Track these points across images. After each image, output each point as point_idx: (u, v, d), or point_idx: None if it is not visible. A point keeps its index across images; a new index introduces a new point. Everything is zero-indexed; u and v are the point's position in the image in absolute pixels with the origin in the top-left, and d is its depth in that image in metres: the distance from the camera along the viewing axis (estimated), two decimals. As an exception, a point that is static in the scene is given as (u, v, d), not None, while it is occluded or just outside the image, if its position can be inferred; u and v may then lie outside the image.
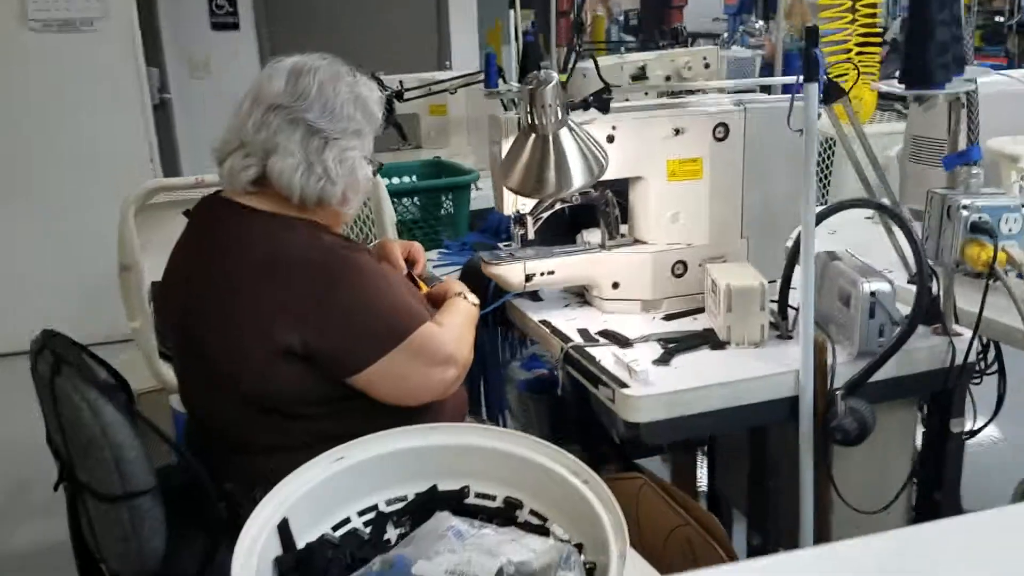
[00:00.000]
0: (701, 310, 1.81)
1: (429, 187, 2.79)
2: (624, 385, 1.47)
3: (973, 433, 1.90)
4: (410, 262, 1.83)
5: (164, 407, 2.15)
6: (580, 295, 1.92)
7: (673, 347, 1.62)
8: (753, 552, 1.63)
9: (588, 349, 1.65)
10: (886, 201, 1.68)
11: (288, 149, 1.46)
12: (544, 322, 1.80)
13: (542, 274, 1.81)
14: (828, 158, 3.30)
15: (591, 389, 1.57)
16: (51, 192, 4.20)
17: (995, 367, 2.05)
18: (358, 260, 1.47)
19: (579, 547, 1.27)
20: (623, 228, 1.87)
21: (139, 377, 2.20)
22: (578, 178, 1.56)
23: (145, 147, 4.34)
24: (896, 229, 1.67)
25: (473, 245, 2.41)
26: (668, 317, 1.80)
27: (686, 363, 1.57)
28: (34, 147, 4.14)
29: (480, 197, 2.86)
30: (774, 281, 1.87)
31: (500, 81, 3.27)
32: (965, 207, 1.44)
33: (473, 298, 1.70)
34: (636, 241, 1.86)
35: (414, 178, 3.12)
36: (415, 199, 2.76)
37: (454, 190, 2.76)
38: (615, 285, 1.82)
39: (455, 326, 1.57)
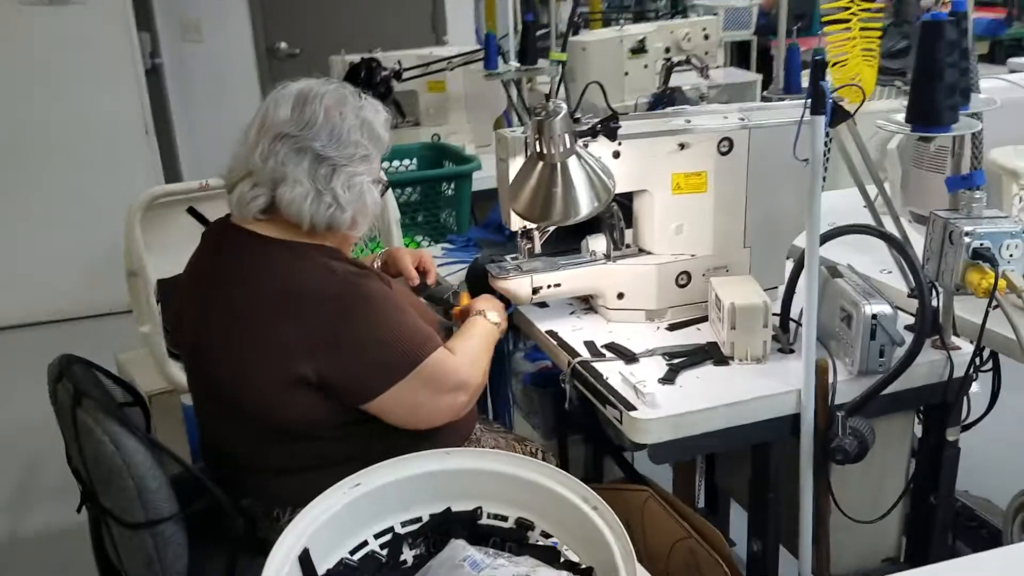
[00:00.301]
0: (704, 319, 1.84)
1: (431, 177, 2.79)
2: (631, 407, 1.51)
3: (968, 427, 1.96)
4: (421, 272, 1.85)
5: (176, 408, 2.19)
6: (586, 301, 1.95)
7: (678, 363, 1.65)
8: (753, 558, 1.68)
9: (595, 365, 1.68)
10: (880, 211, 1.70)
11: (296, 178, 1.47)
12: (551, 333, 1.84)
13: (549, 286, 1.84)
14: (826, 143, 3.29)
15: (598, 407, 1.61)
16: (47, 165, 4.19)
17: (990, 364, 2.09)
18: (370, 289, 1.49)
19: (590, 570, 1.32)
20: (628, 236, 1.89)
21: (150, 376, 2.24)
22: (585, 206, 1.58)
23: (139, 116, 4.32)
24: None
25: (478, 242, 2.43)
26: (672, 327, 1.83)
27: (691, 381, 1.61)
28: (29, 121, 4.13)
29: (481, 178, 2.87)
30: (775, 288, 1.91)
31: (500, 61, 3.26)
32: (967, 233, 1.47)
33: (495, 317, 1.73)
34: (641, 251, 1.89)
35: (414, 162, 3.12)
36: (416, 188, 2.77)
37: (456, 178, 2.76)
38: (620, 295, 1.85)
39: (469, 350, 1.60)
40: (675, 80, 3.46)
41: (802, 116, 1.46)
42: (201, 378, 1.60)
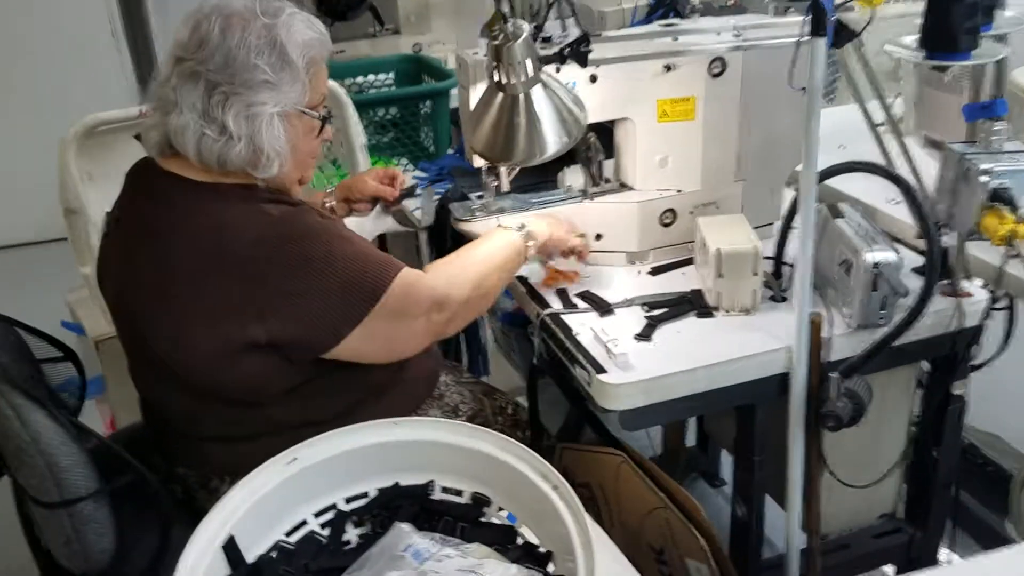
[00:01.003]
0: (690, 261, 1.67)
1: (406, 95, 2.57)
2: (601, 370, 1.36)
3: (978, 367, 1.80)
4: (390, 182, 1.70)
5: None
6: (561, 240, 1.77)
7: (657, 316, 1.49)
8: (738, 523, 1.56)
9: (565, 318, 1.52)
10: (896, 155, 1.50)
11: (184, 106, 1.29)
12: (520, 279, 1.67)
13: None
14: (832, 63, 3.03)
15: (568, 366, 1.46)
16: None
17: (1005, 303, 1.92)
18: (309, 223, 1.32)
19: (548, 555, 1.19)
20: (607, 169, 1.70)
21: (96, 320, 2.09)
22: (552, 144, 1.38)
23: (103, 17, 4.02)
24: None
25: (452, 171, 2.23)
26: (655, 271, 1.66)
27: (670, 336, 1.45)
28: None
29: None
30: (770, 224, 1.73)
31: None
32: (985, 172, 1.28)
33: (529, 234, 1.53)
34: (622, 186, 1.70)
35: (391, 76, 2.89)
36: (391, 108, 2.56)
37: (434, 96, 2.55)
38: (598, 236, 1.68)
39: (449, 266, 1.44)
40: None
41: (799, 39, 1.26)
42: (129, 334, 1.44)
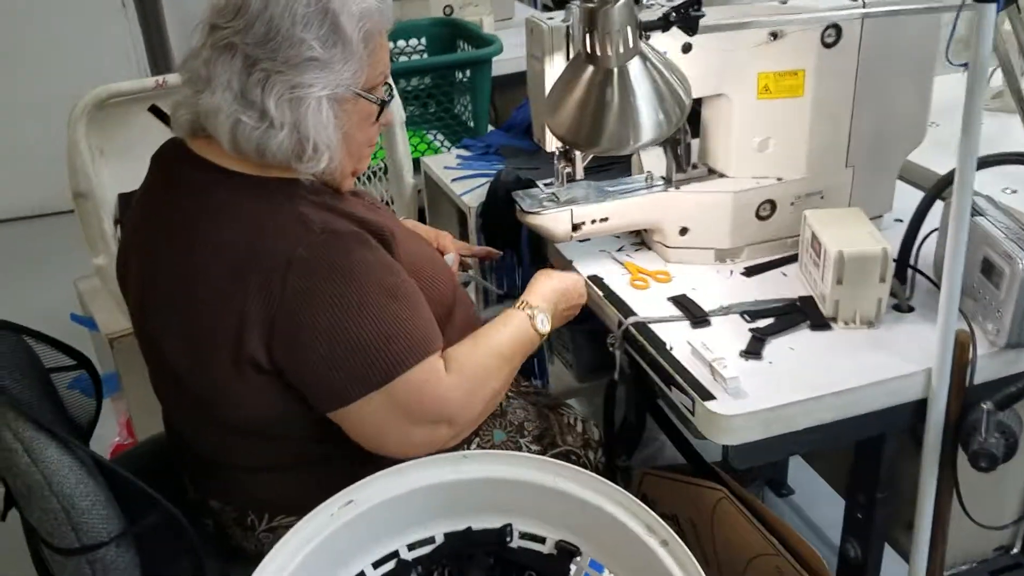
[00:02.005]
0: (791, 259, 1.46)
1: (441, 64, 2.34)
2: (708, 395, 1.15)
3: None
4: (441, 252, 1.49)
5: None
6: (637, 233, 1.56)
7: (764, 328, 1.28)
8: (849, 565, 1.36)
9: (654, 328, 1.31)
10: None
11: (220, 83, 1.07)
12: (595, 280, 1.46)
13: (593, 221, 1.45)
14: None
15: (662, 387, 1.25)
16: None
17: None
18: (351, 258, 1.10)
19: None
20: (693, 152, 1.48)
21: (110, 313, 1.90)
22: (649, 129, 1.16)
23: None
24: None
25: (499, 149, 2.02)
26: (749, 271, 1.45)
27: (782, 353, 1.24)
28: None
29: (502, 62, 2.42)
30: (879, 217, 1.51)
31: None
32: None
33: (544, 324, 1.31)
34: (711, 172, 1.48)
35: (423, 41, 2.66)
36: (425, 78, 2.33)
37: (472, 64, 2.31)
38: (683, 231, 1.46)
39: (472, 374, 1.20)
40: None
41: (961, 5, 1.03)
42: (149, 344, 1.25)
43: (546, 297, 1.35)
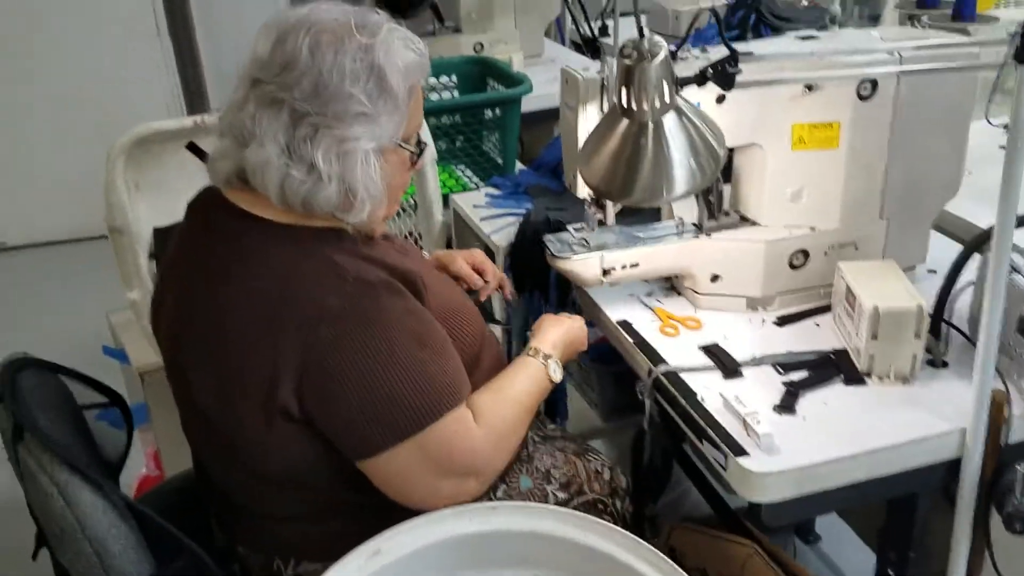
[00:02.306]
0: (824, 309, 1.45)
1: (475, 103, 2.36)
2: (740, 451, 1.14)
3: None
4: (479, 273, 1.49)
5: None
6: (667, 278, 1.56)
7: (797, 382, 1.27)
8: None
9: (685, 377, 1.31)
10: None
11: (266, 137, 1.09)
12: (624, 324, 1.46)
13: (623, 267, 1.45)
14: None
15: (692, 439, 1.24)
16: (39, 71, 3.78)
17: None
18: (381, 310, 1.11)
19: None
20: (724, 198, 1.48)
21: (142, 348, 1.91)
22: (682, 183, 1.17)
23: (148, 11, 3.88)
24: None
25: (528, 188, 2.02)
26: (782, 320, 1.44)
27: (817, 410, 1.23)
28: (13, 15, 3.68)
29: (531, 99, 2.44)
30: (912, 268, 1.50)
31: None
32: None
33: (557, 371, 1.32)
34: (743, 219, 1.48)
35: (453, 78, 2.68)
36: (456, 114, 2.35)
37: (503, 104, 2.33)
38: (715, 278, 1.46)
39: (500, 423, 1.20)
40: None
41: (1002, 67, 1.03)
42: (178, 384, 1.25)
43: (556, 345, 1.35)
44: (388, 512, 1.17)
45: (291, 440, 1.13)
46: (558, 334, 1.36)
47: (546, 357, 1.31)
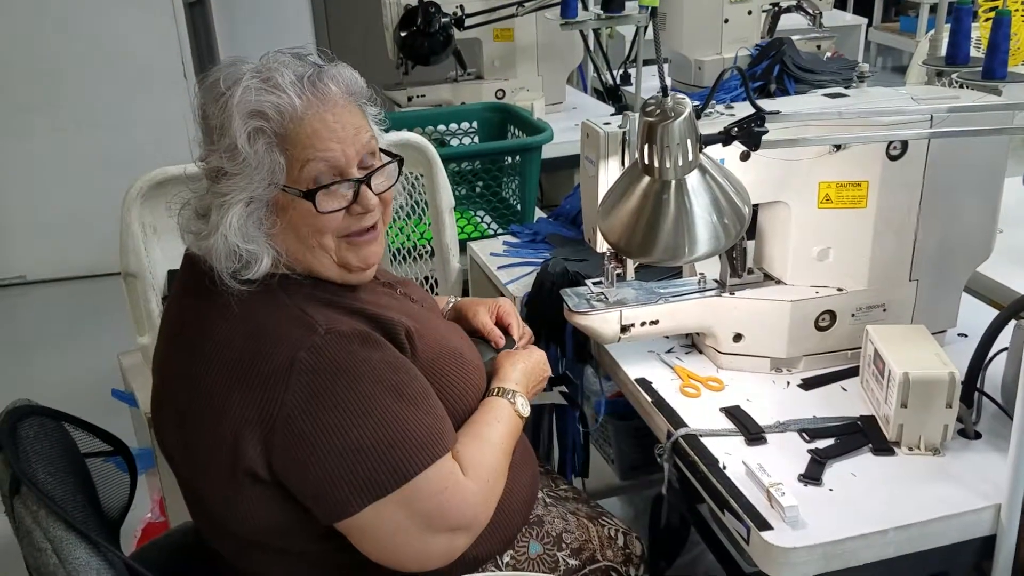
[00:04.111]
0: (851, 372, 1.40)
1: (496, 150, 2.35)
2: (765, 525, 1.09)
3: None
4: (503, 327, 1.44)
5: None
6: (688, 335, 1.52)
7: (824, 450, 1.22)
8: None
9: (706, 442, 1.26)
10: None
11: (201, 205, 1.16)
12: (643, 383, 1.41)
13: (643, 324, 1.41)
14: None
15: (714, 509, 1.19)
16: (66, 111, 3.83)
17: None
18: (354, 359, 1.07)
19: None
20: (748, 255, 1.44)
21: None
22: (705, 243, 1.13)
23: (176, 57, 3.93)
24: None
25: (547, 237, 2.00)
26: (807, 383, 1.39)
27: (843, 479, 1.18)
28: (44, 58, 3.74)
29: (551, 146, 2.42)
30: (943, 332, 1.45)
31: (580, 8, 2.78)
32: None
33: (525, 407, 1.28)
34: (767, 278, 1.44)
35: (474, 125, 2.68)
36: (476, 162, 2.33)
37: (523, 151, 2.32)
38: (737, 337, 1.41)
39: (486, 471, 1.15)
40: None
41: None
42: (162, 443, 1.22)
43: (518, 380, 1.31)
44: (388, 571, 1.13)
45: (261, 503, 1.08)
46: (517, 368, 1.33)
47: (512, 394, 1.28)
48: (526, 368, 1.34)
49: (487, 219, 2.36)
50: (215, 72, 1.11)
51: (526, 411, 1.28)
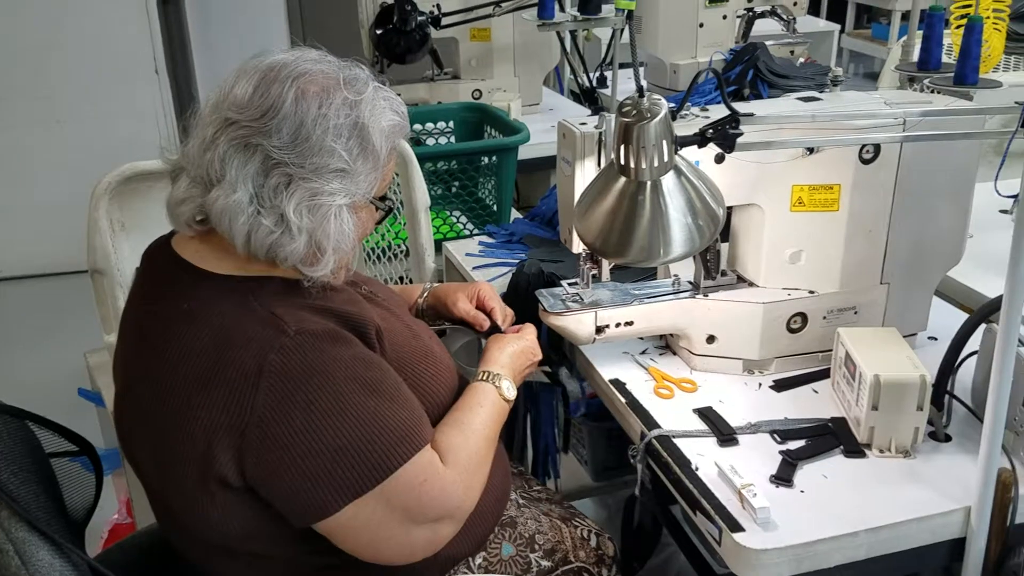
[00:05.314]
0: (822, 375, 1.41)
1: (470, 149, 2.34)
2: (737, 527, 1.09)
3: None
4: (486, 311, 1.44)
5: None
6: (662, 336, 1.52)
7: (795, 451, 1.23)
8: None
9: (679, 443, 1.26)
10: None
11: (235, 182, 1.05)
12: (617, 384, 1.41)
13: (618, 325, 1.41)
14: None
15: (686, 510, 1.19)
16: (36, 105, 3.76)
17: None
18: (324, 360, 1.05)
19: None
20: (722, 257, 1.45)
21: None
22: (680, 244, 1.14)
23: (148, 51, 3.88)
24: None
25: (523, 238, 1.99)
26: (779, 385, 1.40)
27: (816, 483, 1.18)
28: (12, 52, 3.67)
29: (527, 146, 2.42)
30: (913, 335, 1.46)
31: (557, 9, 2.78)
32: None
33: (511, 390, 1.28)
34: (740, 279, 1.44)
35: (451, 124, 2.67)
36: (452, 162, 2.32)
37: (500, 152, 2.31)
38: (711, 339, 1.42)
39: (468, 459, 1.15)
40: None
41: (1012, 138, 1.00)
42: (125, 449, 1.20)
43: (504, 364, 1.31)
44: (366, 571, 1.12)
45: (231, 509, 1.07)
46: (505, 352, 1.33)
47: (495, 376, 1.28)
48: (514, 351, 1.34)
49: (463, 219, 2.35)
50: (303, 62, 1.09)
51: (511, 394, 1.28)
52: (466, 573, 1.26)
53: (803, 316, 1.40)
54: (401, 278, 2.19)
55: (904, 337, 1.33)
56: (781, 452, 1.23)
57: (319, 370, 1.04)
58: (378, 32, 2.75)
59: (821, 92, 1.44)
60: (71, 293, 3.63)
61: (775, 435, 1.27)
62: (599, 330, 1.40)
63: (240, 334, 1.04)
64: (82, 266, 1.72)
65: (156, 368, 1.07)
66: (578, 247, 1.36)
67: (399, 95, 1.16)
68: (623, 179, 1.13)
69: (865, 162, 1.32)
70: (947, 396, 1.26)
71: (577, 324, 1.39)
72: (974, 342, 1.26)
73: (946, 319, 1.49)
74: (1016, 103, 1.02)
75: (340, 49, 1.16)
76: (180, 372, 1.05)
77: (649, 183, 1.12)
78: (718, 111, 1.21)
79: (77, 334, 2.61)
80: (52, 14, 3.68)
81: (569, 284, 1.45)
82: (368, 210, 1.15)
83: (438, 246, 2.09)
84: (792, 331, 1.41)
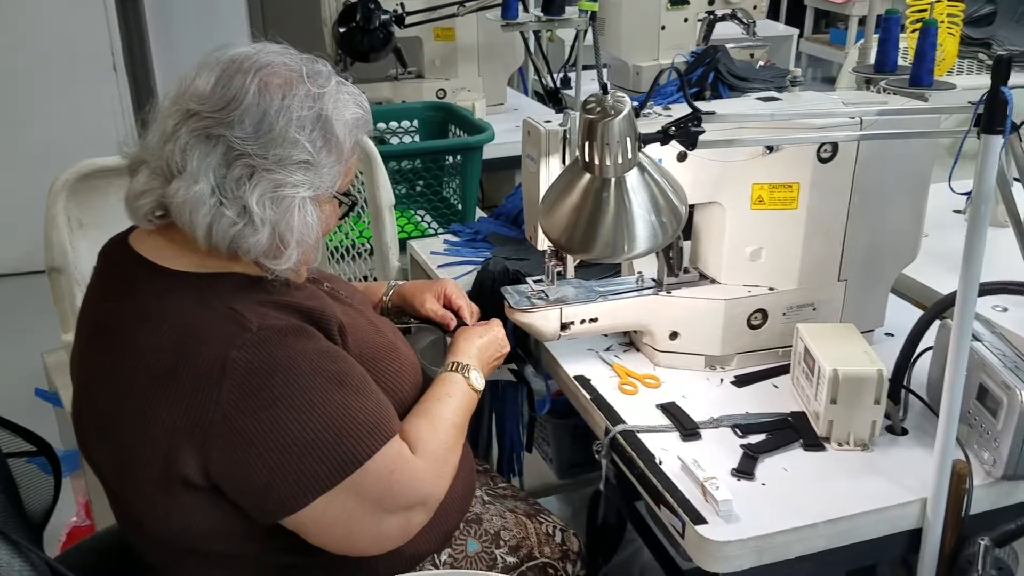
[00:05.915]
0: (782, 370, 1.43)
1: (437, 148, 2.34)
2: (700, 519, 1.10)
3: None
4: (452, 309, 1.44)
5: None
6: (626, 333, 1.53)
7: (756, 445, 1.25)
8: None
9: (643, 438, 1.27)
10: None
11: (196, 174, 1.04)
12: (581, 380, 1.42)
13: (583, 322, 1.42)
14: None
15: (650, 503, 1.20)
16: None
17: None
18: (289, 354, 1.04)
19: None
20: (685, 255, 1.46)
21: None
22: (643, 240, 1.15)
23: (106, 48, 3.82)
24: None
25: (488, 236, 2.00)
26: (740, 380, 1.42)
27: (776, 475, 1.20)
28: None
29: (491, 146, 2.42)
30: (870, 331, 1.49)
31: (521, 9, 2.78)
32: None
33: (479, 380, 1.29)
34: (702, 277, 1.46)
35: (415, 123, 2.67)
36: (417, 160, 2.32)
37: (464, 151, 2.31)
38: (673, 335, 1.43)
39: (438, 448, 1.16)
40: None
41: (965, 136, 1.03)
42: (83, 449, 1.18)
43: (473, 355, 1.33)
44: (331, 568, 1.11)
45: (194, 509, 1.05)
46: (473, 344, 1.35)
47: (465, 368, 1.29)
48: (483, 343, 1.35)
49: (427, 218, 2.35)
50: (267, 55, 1.08)
51: (480, 384, 1.29)
52: (431, 570, 1.26)
53: (763, 312, 1.42)
54: (365, 277, 2.18)
55: (862, 333, 1.36)
56: (742, 446, 1.25)
57: (284, 365, 1.03)
58: (341, 30, 2.74)
59: (780, 93, 1.46)
60: (27, 294, 3.57)
61: (737, 429, 1.28)
62: (564, 327, 1.41)
63: (201, 331, 1.03)
64: (39, 267, 1.70)
65: (114, 367, 1.06)
66: (543, 244, 1.36)
67: (362, 92, 1.16)
68: (587, 176, 1.14)
69: (823, 161, 1.34)
70: (903, 390, 1.29)
71: (542, 321, 1.40)
72: (929, 338, 1.29)
73: (902, 316, 1.52)
74: (969, 103, 1.04)
75: (302, 47, 1.15)
76: (139, 371, 1.03)
77: (613, 180, 1.13)
78: (680, 110, 1.23)
79: (34, 334, 2.55)
80: (8, 11, 3.61)
81: (534, 281, 1.46)
82: (331, 204, 1.15)
83: (403, 245, 2.09)
84: (753, 327, 1.43)
